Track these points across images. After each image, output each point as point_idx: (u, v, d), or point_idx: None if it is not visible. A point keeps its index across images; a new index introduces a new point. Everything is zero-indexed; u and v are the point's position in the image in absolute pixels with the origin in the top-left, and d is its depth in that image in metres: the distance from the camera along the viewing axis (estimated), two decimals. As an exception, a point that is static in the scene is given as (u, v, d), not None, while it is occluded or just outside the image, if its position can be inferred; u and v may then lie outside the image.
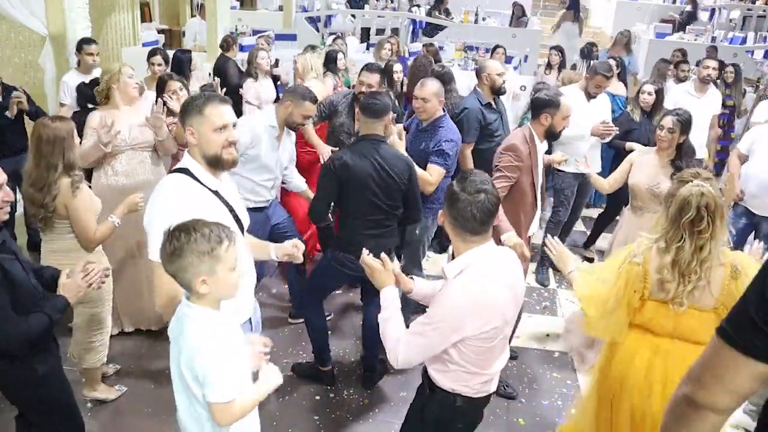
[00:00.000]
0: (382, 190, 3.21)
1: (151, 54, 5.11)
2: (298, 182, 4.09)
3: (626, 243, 3.76)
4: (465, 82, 6.14)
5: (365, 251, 2.30)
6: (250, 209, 3.66)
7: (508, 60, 7.69)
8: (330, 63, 5.71)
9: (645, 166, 3.75)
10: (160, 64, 4.97)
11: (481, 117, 4.40)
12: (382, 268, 2.25)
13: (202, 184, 2.17)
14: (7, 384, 2.37)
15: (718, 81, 6.39)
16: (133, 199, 3.10)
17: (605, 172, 5.19)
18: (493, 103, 4.56)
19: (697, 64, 6.11)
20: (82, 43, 4.92)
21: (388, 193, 3.23)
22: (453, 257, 2.19)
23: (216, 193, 2.19)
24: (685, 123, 3.60)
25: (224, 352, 1.79)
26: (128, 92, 3.65)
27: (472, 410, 2.24)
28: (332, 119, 4.31)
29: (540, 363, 3.96)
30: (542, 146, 3.55)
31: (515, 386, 3.67)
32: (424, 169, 3.68)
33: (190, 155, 2.20)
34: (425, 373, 2.27)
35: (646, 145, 4.53)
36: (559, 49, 7.16)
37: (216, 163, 2.17)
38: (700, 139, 5.54)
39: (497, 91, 4.52)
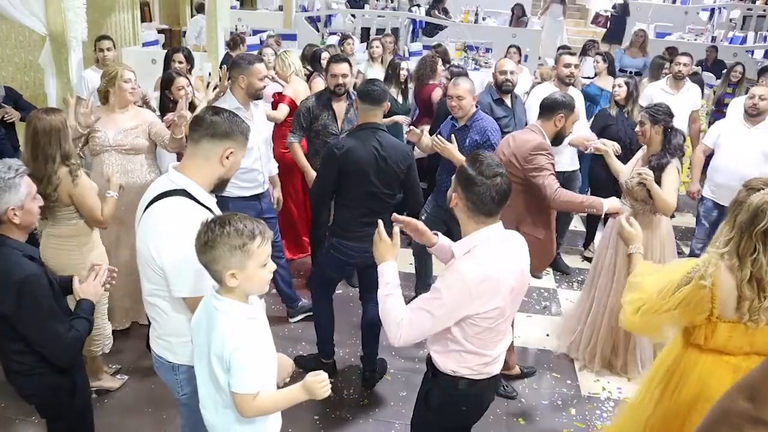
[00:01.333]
0: (380, 179, 3.21)
1: (174, 51, 5.13)
2: (272, 167, 4.11)
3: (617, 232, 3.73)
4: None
5: (380, 222, 2.25)
6: (245, 198, 3.71)
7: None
8: (315, 62, 5.60)
9: (633, 161, 3.77)
10: (181, 62, 4.97)
11: (489, 111, 4.48)
12: (389, 241, 2.20)
13: (201, 204, 2.10)
14: (48, 396, 2.38)
15: (717, 80, 6.39)
16: (117, 181, 3.24)
17: (585, 170, 5.24)
18: (507, 100, 4.65)
19: (699, 64, 6.12)
20: (96, 41, 5.12)
21: (386, 181, 3.23)
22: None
23: (211, 210, 2.14)
24: (654, 114, 3.51)
25: (251, 345, 1.81)
26: (124, 96, 3.65)
27: (475, 393, 2.24)
28: (312, 125, 4.23)
29: (540, 363, 3.96)
30: None
31: (515, 386, 3.67)
32: None
33: (192, 174, 2.10)
34: (429, 359, 2.28)
35: (620, 140, 4.52)
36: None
37: (224, 184, 2.19)
38: None
39: (499, 88, 4.61)
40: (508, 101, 4.66)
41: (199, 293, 2.01)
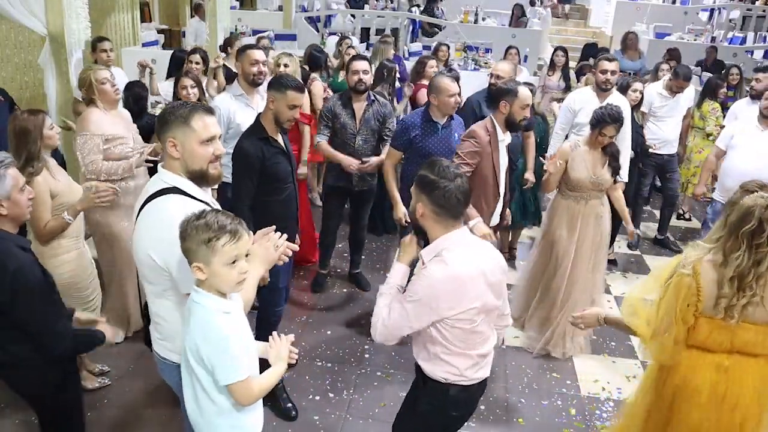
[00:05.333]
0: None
1: (192, 52, 5.18)
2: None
3: (564, 227, 3.86)
4: (465, 82, 6.13)
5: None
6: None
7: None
8: (313, 63, 5.58)
9: (582, 161, 3.81)
10: (198, 63, 5.02)
11: (478, 108, 4.53)
12: (413, 244, 2.27)
13: (196, 199, 2.04)
14: (36, 390, 2.38)
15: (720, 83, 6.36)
16: (88, 194, 3.00)
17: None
18: None
19: (698, 64, 6.08)
20: (96, 42, 5.03)
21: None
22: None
23: (207, 203, 2.08)
24: (619, 125, 3.76)
25: (226, 337, 1.80)
26: (110, 97, 3.59)
27: (465, 399, 2.26)
28: (332, 124, 4.25)
29: (540, 363, 3.96)
30: (506, 138, 3.56)
31: (515, 386, 3.68)
32: None
33: (169, 170, 2.05)
34: (417, 367, 2.29)
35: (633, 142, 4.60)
36: (564, 50, 7.12)
37: (201, 179, 2.07)
38: (674, 133, 5.60)
39: None
40: None
41: None
